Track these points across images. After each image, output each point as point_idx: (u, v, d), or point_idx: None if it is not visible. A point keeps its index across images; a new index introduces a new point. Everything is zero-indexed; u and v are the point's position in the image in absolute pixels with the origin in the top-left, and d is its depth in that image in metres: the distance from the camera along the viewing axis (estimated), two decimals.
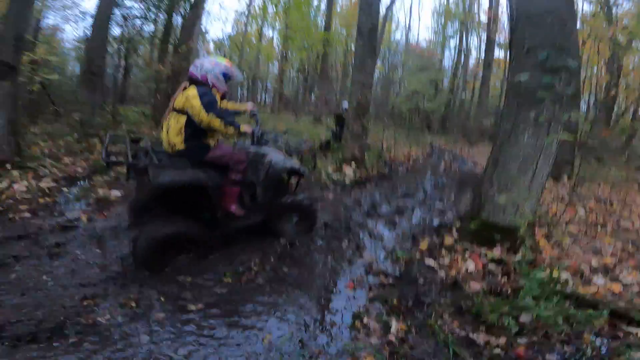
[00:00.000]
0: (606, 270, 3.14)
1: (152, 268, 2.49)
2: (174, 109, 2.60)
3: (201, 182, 2.54)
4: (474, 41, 22.55)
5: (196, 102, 2.49)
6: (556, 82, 2.54)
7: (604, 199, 6.37)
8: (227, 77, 2.78)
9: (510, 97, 2.97)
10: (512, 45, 2.98)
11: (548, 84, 2.57)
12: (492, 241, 2.97)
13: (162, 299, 2.26)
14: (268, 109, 19.66)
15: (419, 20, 41.95)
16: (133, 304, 2.17)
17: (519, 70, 2.75)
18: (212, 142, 2.72)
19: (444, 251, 3.05)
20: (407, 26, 26.12)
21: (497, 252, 2.89)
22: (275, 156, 3.06)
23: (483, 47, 18.92)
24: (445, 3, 22.39)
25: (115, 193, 3.85)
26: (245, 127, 2.73)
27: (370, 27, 5.88)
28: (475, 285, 2.54)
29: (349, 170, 5.71)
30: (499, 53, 20.81)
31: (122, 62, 11.69)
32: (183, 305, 2.21)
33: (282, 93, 20.53)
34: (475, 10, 20.66)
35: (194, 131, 2.57)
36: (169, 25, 9.54)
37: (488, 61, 16.38)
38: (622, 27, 11.34)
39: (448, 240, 3.24)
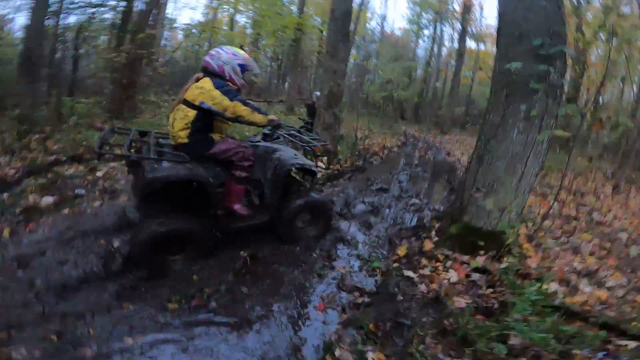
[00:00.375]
0: (589, 273, 2.99)
1: (150, 267, 2.36)
2: (184, 101, 2.43)
3: (198, 177, 2.36)
4: (447, 31, 22.56)
5: (215, 93, 2.36)
6: (551, 71, 2.27)
7: (574, 190, 6.39)
8: (244, 69, 2.58)
9: (498, 88, 2.67)
10: (500, 31, 2.68)
11: (542, 73, 2.29)
12: (474, 247, 2.72)
13: (91, 331, 1.87)
14: None
15: (395, 9, 41.61)
16: (54, 338, 1.79)
17: (508, 58, 2.45)
18: (216, 137, 2.54)
19: (423, 260, 2.78)
20: (382, 15, 25.74)
21: (480, 260, 2.64)
22: (284, 153, 2.86)
23: (456, 37, 18.93)
24: None
25: (47, 200, 3.29)
26: (273, 117, 2.62)
27: (344, 12, 5.48)
28: (459, 302, 2.27)
29: (320, 164, 5.35)
30: (471, 44, 20.99)
31: (74, 52, 10.66)
32: (117, 337, 1.83)
33: (253, 81, 19.73)
34: (450, 1, 20.59)
35: (203, 125, 2.44)
36: (128, 12, 8.74)
37: (460, 51, 16.38)
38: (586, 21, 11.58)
39: (427, 245, 2.97)
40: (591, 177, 8.93)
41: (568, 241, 3.80)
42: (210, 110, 2.39)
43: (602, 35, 10.29)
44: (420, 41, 23.24)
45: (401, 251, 3.00)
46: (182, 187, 2.34)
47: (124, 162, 3.03)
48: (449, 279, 2.57)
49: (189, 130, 2.41)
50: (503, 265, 2.56)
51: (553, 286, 2.42)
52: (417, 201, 4.70)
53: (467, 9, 16.24)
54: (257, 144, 2.96)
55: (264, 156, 2.84)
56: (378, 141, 9.74)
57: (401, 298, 2.38)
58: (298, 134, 3.02)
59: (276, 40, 16.52)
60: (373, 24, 25.72)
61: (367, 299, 2.40)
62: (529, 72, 2.31)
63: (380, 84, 21.08)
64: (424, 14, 20.87)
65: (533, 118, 2.43)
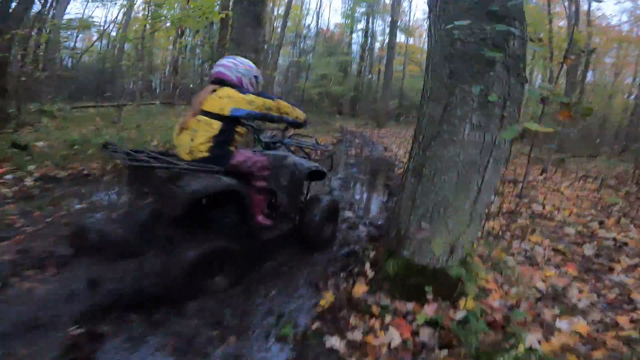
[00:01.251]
0: (557, 296, 2.43)
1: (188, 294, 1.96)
2: (204, 113, 2.20)
3: (236, 188, 2.14)
4: (379, 25, 22.62)
5: (251, 97, 2.24)
6: (513, 33, 1.56)
7: (506, 178, 6.16)
8: (257, 81, 2.49)
9: (437, 66, 1.88)
10: None
11: (499, 37, 1.57)
12: (420, 291, 1.95)
13: None
14: (157, 103, 16.85)
15: (330, 4, 41.24)
16: None
17: (448, 17, 1.70)
18: (232, 149, 2.33)
19: (353, 318, 1.95)
20: (317, 11, 25.07)
21: (429, 309, 1.89)
22: (296, 159, 2.79)
23: (387, 30, 18.88)
24: None
25: None
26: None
27: None
28: None
29: None
30: (401, 37, 21.21)
31: None
32: None
33: (176, 83, 17.73)
34: None
35: (226, 138, 2.24)
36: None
37: (392, 44, 16.29)
38: None
39: (359, 289, 2.15)
40: (517, 161, 9.05)
41: (520, 247, 3.31)
42: (249, 115, 2.24)
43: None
44: (354, 35, 23.10)
45: (325, 300, 2.15)
46: (215, 201, 2.17)
47: None
48: (389, 344, 1.79)
49: (211, 144, 2.19)
50: (460, 314, 1.84)
51: (528, 338, 1.75)
52: (350, 214, 3.93)
53: (397, 0, 16.20)
54: (266, 152, 2.75)
55: (276, 164, 2.69)
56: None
57: None
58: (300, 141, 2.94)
59: (203, 34, 14.98)
60: (309, 20, 25.13)
61: None
62: (480, 37, 1.58)
63: (315, 80, 20.47)
64: (357, 7, 20.66)
65: (491, 105, 1.69)
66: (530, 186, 6.28)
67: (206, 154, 2.18)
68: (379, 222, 3.83)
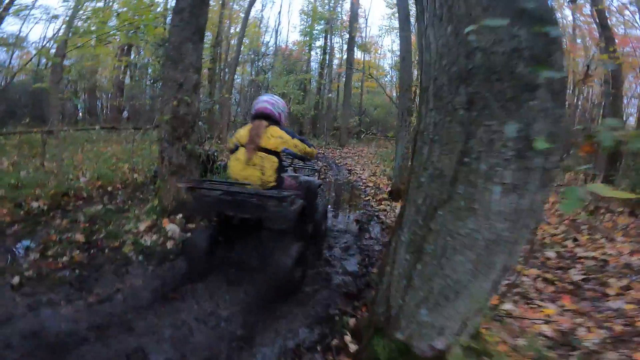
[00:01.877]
0: (567, 343, 1.99)
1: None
2: (263, 149, 2.67)
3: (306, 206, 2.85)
4: (337, 41, 22.65)
5: (297, 141, 2.78)
6: (553, 45, 1.00)
7: None
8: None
9: (444, 93, 1.27)
10: None
11: (540, 47, 1.00)
12: None
13: None
14: (97, 128, 15.20)
15: (289, 22, 41.17)
16: None
17: (456, 17, 1.14)
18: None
19: None
20: (276, 29, 24.71)
21: None
22: (304, 177, 3.33)
23: (345, 47, 18.87)
24: (313, 2, 21.81)
25: None
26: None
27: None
28: None
29: (171, 227, 3.52)
30: (357, 53, 21.33)
31: None
32: None
33: (119, 105, 16.23)
34: (339, 10, 20.66)
35: (280, 168, 2.76)
36: None
37: (349, 60, 16.19)
38: None
39: None
40: None
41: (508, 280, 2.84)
42: (289, 153, 2.73)
43: None
44: (313, 53, 22.92)
45: None
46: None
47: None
48: None
49: (276, 175, 2.71)
50: None
51: None
52: (324, 268, 3.25)
53: (354, 16, 16.20)
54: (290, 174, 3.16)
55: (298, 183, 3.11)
56: None
57: None
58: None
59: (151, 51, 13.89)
60: (267, 37, 24.71)
61: None
62: (512, 46, 1.01)
63: None
64: (315, 25, 20.54)
65: (532, 154, 1.10)
66: None
67: (274, 183, 2.71)
68: (354, 269, 3.21)
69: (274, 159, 2.67)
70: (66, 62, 17.13)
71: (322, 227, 3.67)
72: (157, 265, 3.10)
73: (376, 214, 4.97)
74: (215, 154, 6.65)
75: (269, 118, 2.75)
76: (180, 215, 3.63)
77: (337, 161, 11.53)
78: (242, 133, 2.75)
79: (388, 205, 5.28)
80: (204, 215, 3.03)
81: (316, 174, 3.72)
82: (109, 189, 5.48)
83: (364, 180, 7.64)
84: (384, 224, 4.51)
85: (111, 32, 4.45)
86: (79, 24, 4.90)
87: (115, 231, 3.59)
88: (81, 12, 4.66)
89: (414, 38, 7.14)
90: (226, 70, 17.30)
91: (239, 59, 22.18)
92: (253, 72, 22.22)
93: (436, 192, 1.27)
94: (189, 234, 3.59)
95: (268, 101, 2.82)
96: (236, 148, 2.77)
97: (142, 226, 3.64)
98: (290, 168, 3.31)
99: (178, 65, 3.62)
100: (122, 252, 3.20)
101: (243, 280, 2.68)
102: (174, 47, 3.63)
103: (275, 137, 2.67)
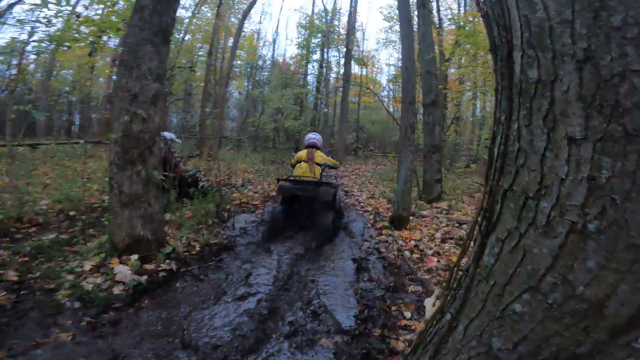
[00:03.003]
0: None
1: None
2: (316, 164, 4.83)
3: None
4: (334, 55, 22.34)
5: (329, 159, 5.02)
6: None
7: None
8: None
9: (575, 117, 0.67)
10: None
11: None
12: None
13: None
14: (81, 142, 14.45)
15: (286, 36, 41.14)
16: None
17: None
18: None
19: None
20: (273, 42, 24.36)
21: None
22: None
23: (342, 61, 18.49)
24: (309, 14, 21.59)
25: None
26: None
27: None
28: None
29: (121, 269, 2.80)
30: (355, 68, 21.00)
31: None
32: None
33: (108, 117, 15.70)
34: (336, 23, 20.41)
35: (322, 172, 4.83)
36: None
37: (347, 74, 15.74)
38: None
39: None
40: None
41: None
42: (327, 165, 4.89)
43: None
44: (310, 66, 22.56)
45: None
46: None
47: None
48: None
49: (320, 176, 4.74)
50: None
51: None
52: (307, 325, 2.53)
53: (351, 29, 15.85)
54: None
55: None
56: (263, 186, 7.53)
57: None
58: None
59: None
60: (265, 51, 24.43)
61: None
62: None
63: (270, 114, 19.35)
64: (312, 38, 20.22)
65: None
66: None
67: (319, 178, 4.75)
68: (349, 324, 2.53)
69: (319, 168, 4.80)
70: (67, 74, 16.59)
71: (341, 207, 5.05)
72: (95, 316, 2.47)
73: (376, 246, 4.26)
74: (197, 174, 5.98)
75: (315, 146, 5.03)
76: (136, 256, 2.91)
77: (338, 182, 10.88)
78: (301, 154, 4.96)
79: (389, 235, 4.57)
80: (285, 195, 4.44)
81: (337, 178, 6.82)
82: (72, 213, 4.76)
83: (362, 204, 6.95)
84: (385, 259, 3.80)
85: (70, 37, 3.82)
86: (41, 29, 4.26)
87: (54, 269, 2.91)
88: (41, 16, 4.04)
89: (416, 46, 6.59)
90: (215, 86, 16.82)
91: (236, 72, 21.85)
92: (250, 86, 21.81)
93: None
94: (144, 277, 2.89)
95: (315, 138, 5.14)
96: (297, 162, 4.94)
97: (88, 265, 2.95)
98: (325, 172, 4.94)
99: (132, 71, 2.96)
100: (55, 298, 2.51)
101: (306, 231, 4.48)
102: (130, 50, 2.97)
103: (320, 156, 4.91)
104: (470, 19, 10.96)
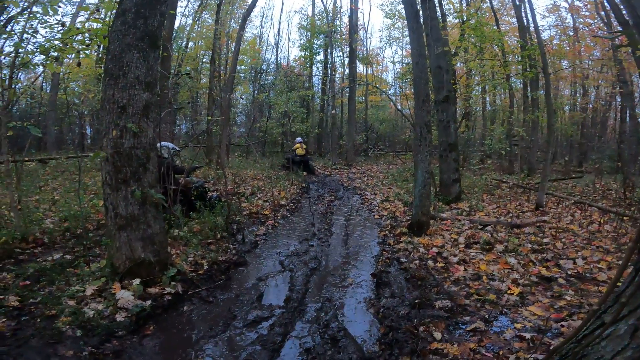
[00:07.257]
0: None
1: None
2: (304, 149, 12.85)
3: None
4: (338, 55, 22.04)
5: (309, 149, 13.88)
6: None
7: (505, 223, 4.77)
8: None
9: None
10: None
11: None
12: None
13: None
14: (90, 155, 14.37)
15: (289, 39, 40.88)
16: None
17: None
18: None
19: None
20: (276, 46, 24.10)
21: None
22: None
23: (346, 60, 18.16)
24: (310, 15, 21.36)
25: None
26: None
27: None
28: None
29: (123, 295, 2.58)
30: (359, 67, 20.62)
31: None
32: None
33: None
34: (338, 23, 20.11)
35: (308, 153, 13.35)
36: None
37: (352, 73, 15.45)
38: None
39: None
40: (500, 192, 7.79)
41: None
42: (307, 151, 13.51)
43: None
44: (314, 68, 22.29)
45: None
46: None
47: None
48: None
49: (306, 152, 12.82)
50: None
51: None
52: (326, 354, 2.27)
53: (353, 28, 15.55)
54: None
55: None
56: (272, 194, 7.28)
57: None
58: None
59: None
60: (268, 55, 24.26)
61: None
62: None
63: (277, 118, 19.16)
64: (315, 40, 19.99)
65: None
66: (536, 231, 4.91)
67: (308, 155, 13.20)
68: (373, 349, 2.25)
69: (304, 151, 12.75)
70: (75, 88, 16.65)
71: (313, 166, 12.80)
72: (97, 345, 2.27)
73: (396, 255, 3.96)
74: (204, 185, 5.78)
75: (301, 142, 12.94)
76: (138, 281, 2.69)
77: (345, 183, 10.56)
78: (297, 146, 12.78)
79: (409, 242, 4.25)
80: (294, 160, 11.86)
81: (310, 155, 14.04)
82: (79, 231, 4.59)
83: (377, 208, 6.65)
84: (407, 271, 3.51)
85: (57, 47, 3.64)
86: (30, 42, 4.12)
87: (55, 294, 2.73)
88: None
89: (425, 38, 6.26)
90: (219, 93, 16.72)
91: (241, 78, 21.72)
92: (256, 91, 21.64)
93: None
94: (148, 302, 2.67)
95: (300, 139, 13.25)
96: (295, 148, 12.79)
97: (89, 290, 2.74)
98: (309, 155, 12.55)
99: (119, 81, 2.73)
100: (56, 325, 2.32)
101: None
102: (114, 57, 2.74)
103: (305, 148, 12.87)
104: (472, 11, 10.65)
